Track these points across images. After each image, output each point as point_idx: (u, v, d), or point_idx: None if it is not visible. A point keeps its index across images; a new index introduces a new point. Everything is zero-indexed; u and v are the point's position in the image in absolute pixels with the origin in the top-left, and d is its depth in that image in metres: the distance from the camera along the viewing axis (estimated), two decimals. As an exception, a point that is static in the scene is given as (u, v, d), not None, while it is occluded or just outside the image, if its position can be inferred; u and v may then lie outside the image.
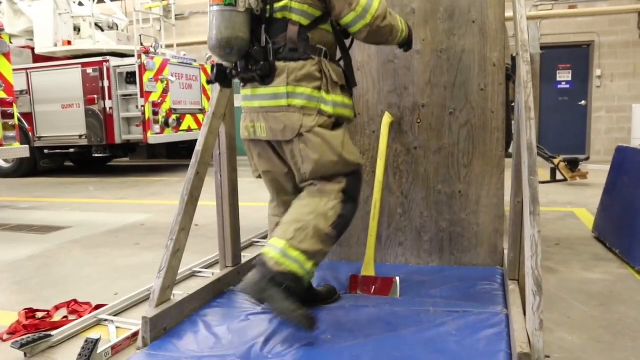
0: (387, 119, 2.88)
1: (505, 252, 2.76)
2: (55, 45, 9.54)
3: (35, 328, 2.46)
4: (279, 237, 2.13)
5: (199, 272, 3.33)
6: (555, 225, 4.46)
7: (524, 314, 1.98)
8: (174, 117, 9.30)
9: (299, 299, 2.05)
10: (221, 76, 2.21)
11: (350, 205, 2.24)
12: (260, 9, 2.14)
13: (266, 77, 2.14)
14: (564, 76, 10.97)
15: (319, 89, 2.14)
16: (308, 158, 2.13)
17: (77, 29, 9.87)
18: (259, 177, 2.46)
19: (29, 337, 2.23)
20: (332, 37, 2.26)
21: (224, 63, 2.23)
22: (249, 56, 2.14)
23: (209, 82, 2.32)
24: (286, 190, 2.38)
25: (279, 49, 2.15)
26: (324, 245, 2.15)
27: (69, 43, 9.55)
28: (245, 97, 2.30)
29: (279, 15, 2.15)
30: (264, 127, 2.19)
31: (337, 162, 2.17)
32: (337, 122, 2.20)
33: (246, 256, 3.13)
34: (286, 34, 2.14)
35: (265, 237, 4.15)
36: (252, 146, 2.37)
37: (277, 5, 2.14)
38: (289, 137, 2.14)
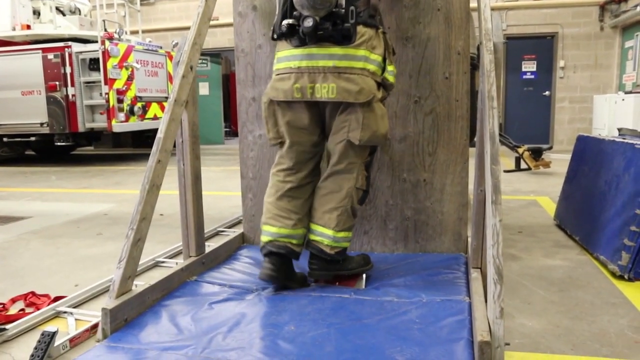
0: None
1: (469, 239, 2.79)
2: (14, 29, 9.23)
3: (-11, 322, 2.38)
4: (325, 226, 2.44)
5: (162, 262, 3.28)
6: (519, 213, 4.54)
7: (486, 301, 2.00)
8: (139, 105, 9.12)
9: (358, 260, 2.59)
10: (290, 31, 2.26)
11: (368, 180, 2.54)
12: None
13: (348, 38, 2.22)
14: (529, 67, 11.16)
15: (384, 59, 2.32)
16: (368, 126, 2.29)
17: (36, 13, 9.56)
18: (278, 144, 2.51)
19: (-19, 331, 2.16)
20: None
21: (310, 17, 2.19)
22: (330, 15, 2.19)
23: (276, 36, 2.37)
24: (308, 154, 2.50)
25: (360, 12, 2.25)
26: (355, 216, 2.53)
27: (28, 27, 9.24)
28: (307, 56, 2.28)
29: None
30: (334, 88, 2.24)
31: (384, 134, 2.40)
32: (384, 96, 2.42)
33: (210, 245, 3.09)
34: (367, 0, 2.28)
35: (231, 227, 4.11)
36: (280, 112, 2.42)
37: None
38: (362, 100, 2.24)
